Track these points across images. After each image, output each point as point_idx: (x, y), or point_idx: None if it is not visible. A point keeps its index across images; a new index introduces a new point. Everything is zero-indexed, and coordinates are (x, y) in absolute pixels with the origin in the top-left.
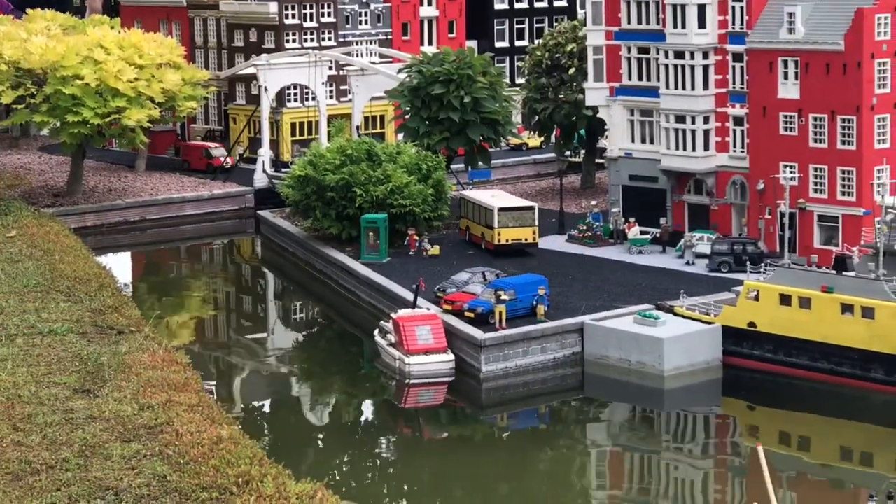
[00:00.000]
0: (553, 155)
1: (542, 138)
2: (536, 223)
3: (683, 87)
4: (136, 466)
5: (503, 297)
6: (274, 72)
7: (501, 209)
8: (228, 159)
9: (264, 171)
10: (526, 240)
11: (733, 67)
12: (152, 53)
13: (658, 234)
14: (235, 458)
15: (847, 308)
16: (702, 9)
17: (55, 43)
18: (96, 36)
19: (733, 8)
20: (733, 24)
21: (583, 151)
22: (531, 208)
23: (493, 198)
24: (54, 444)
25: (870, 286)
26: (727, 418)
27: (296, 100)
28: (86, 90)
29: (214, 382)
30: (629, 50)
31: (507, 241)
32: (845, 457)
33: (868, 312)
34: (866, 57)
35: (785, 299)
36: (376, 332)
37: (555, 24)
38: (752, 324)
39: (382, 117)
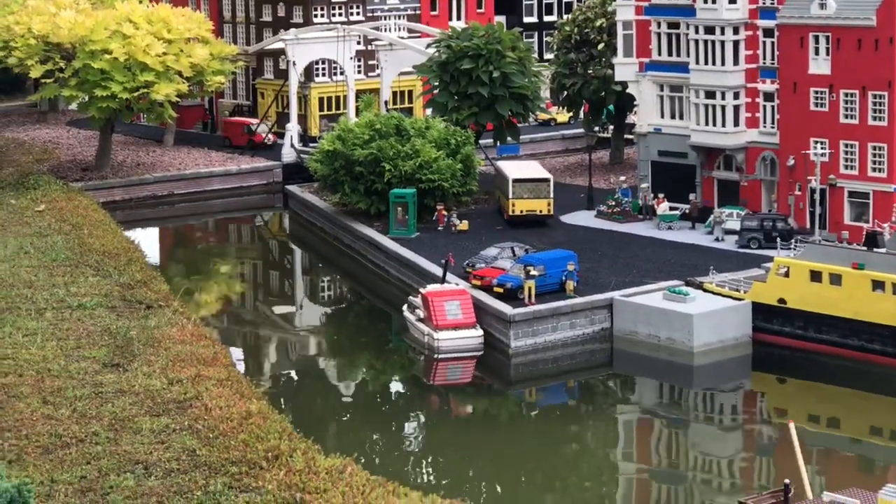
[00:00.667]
0: (582, 130)
1: (571, 114)
2: (552, 195)
3: (713, 63)
4: (165, 440)
5: (532, 272)
6: (302, 46)
7: (516, 180)
8: (270, 135)
9: (292, 145)
10: (540, 211)
11: (764, 43)
12: (181, 28)
13: (687, 210)
14: (264, 433)
15: (878, 285)
16: None
17: (84, 17)
18: (125, 10)
19: None
20: None
21: (611, 127)
22: (546, 180)
23: (517, 169)
24: (84, 418)
25: None
26: (756, 395)
27: (324, 74)
28: (114, 64)
29: (242, 357)
30: (659, 25)
31: (521, 212)
32: (875, 433)
33: None
34: None
35: (815, 276)
36: (405, 307)
37: None
38: (782, 300)
39: (411, 92)
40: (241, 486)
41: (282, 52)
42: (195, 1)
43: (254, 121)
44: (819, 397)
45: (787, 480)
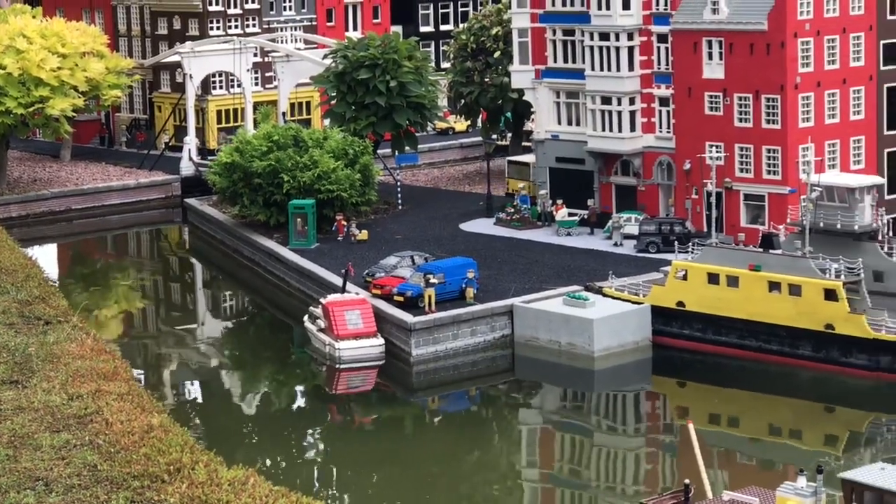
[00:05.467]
0: (479, 138)
1: (469, 122)
2: (531, 179)
3: (609, 69)
4: (66, 456)
5: (432, 280)
6: (198, 59)
7: (510, 161)
8: None
9: (190, 158)
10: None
11: (658, 48)
12: (75, 42)
13: (586, 216)
14: (166, 446)
15: (774, 286)
16: None
17: None
18: (18, 25)
19: None
20: (657, 5)
21: (509, 134)
22: (527, 164)
23: None
24: None
25: (796, 264)
26: (657, 397)
27: (221, 87)
28: (8, 80)
29: (144, 372)
30: (554, 32)
31: (512, 191)
32: (774, 433)
33: (795, 290)
34: (789, 36)
35: (713, 278)
36: (306, 317)
37: (480, 7)
38: (680, 303)
39: (308, 103)
40: (143, 500)
41: (178, 65)
42: (89, 15)
43: None
44: (719, 399)
45: (687, 481)
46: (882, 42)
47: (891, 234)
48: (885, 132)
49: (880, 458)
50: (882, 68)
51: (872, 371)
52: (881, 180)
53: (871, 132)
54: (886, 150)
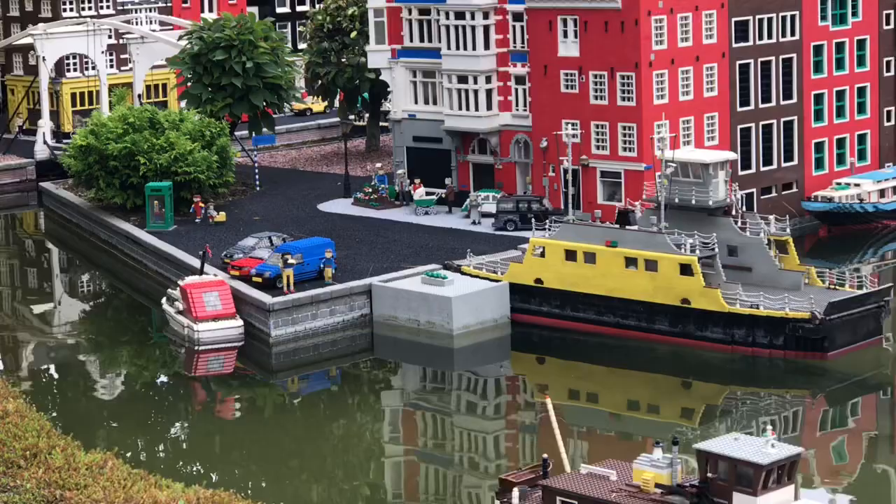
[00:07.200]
0: (337, 119)
1: (326, 103)
2: None
3: (465, 48)
4: None
5: (290, 260)
6: (52, 41)
7: None
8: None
9: (45, 142)
10: None
11: (514, 27)
12: None
13: (444, 195)
14: (22, 432)
15: (631, 262)
16: None
17: None
18: None
19: None
20: None
21: (367, 115)
22: None
23: None
24: None
25: (652, 239)
26: (517, 374)
27: (75, 69)
28: None
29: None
30: (410, 11)
31: None
32: (633, 407)
33: (651, 265)
34: (643, 14)
35: (570, 255)
36: (164, 300)
37: None
38: (538, 280)
39: (164, 85)
40: None
41: (31, 47)
42: None
43: None
44: (578, 374)
45: (545, 455)
46: (734, 19)
47: (744, 208)
48: (738, 108)
49: (735, 430)
50: (734, 45)
51: (728, 345)
52: (734, 156)
53: (724, 109)
54: (739, 126)
